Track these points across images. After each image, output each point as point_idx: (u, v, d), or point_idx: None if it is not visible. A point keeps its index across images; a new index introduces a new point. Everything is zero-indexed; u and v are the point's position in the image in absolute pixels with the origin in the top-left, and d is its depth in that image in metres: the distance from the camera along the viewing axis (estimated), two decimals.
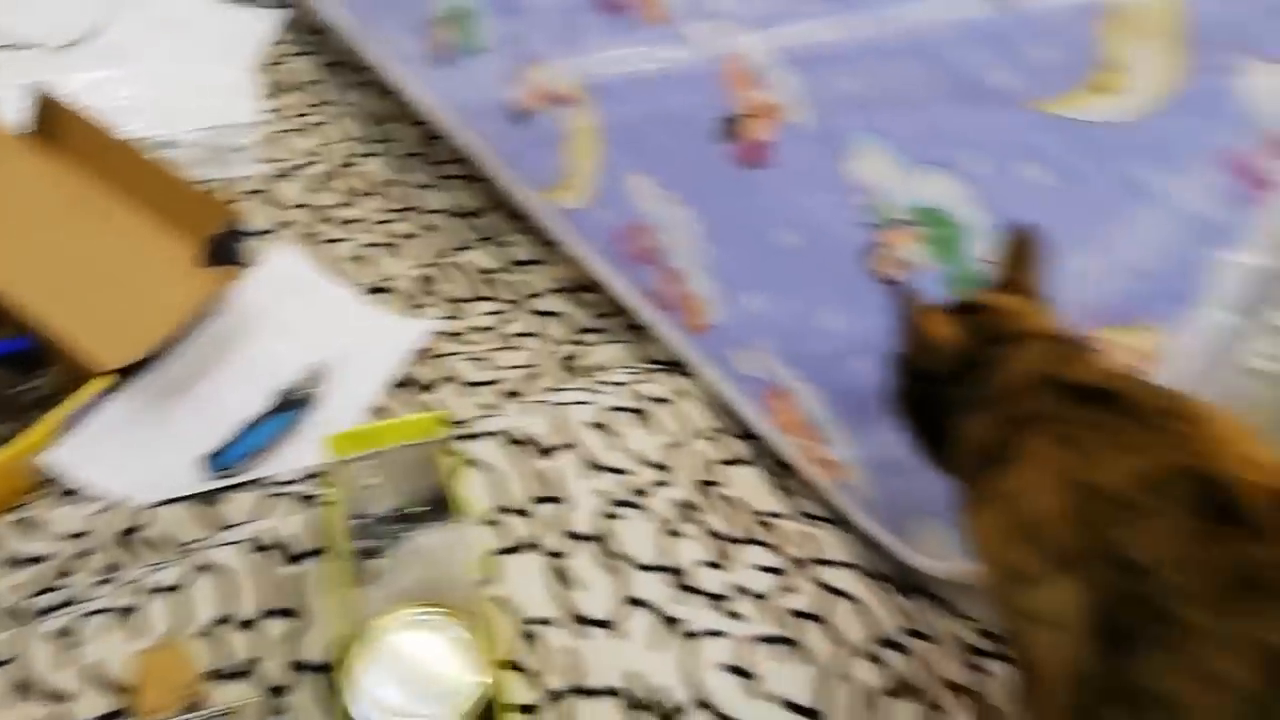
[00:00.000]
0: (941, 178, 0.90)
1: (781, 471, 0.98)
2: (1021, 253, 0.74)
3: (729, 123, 1.02)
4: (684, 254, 1.05)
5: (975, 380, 0.68)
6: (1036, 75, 0.85)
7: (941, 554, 0.86)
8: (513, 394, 1.02)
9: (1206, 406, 0.60)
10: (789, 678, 0.78)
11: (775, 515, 0.92)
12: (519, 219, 1.26)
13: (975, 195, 0.88)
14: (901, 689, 0.79)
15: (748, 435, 1.00)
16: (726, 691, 0.76)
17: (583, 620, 0.78)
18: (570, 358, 1.07)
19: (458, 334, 1.09)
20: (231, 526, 0.82)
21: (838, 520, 0.94)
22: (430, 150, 1.36)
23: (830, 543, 0.90)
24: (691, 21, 1.05)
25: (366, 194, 1.26)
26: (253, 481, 0.88)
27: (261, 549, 0.77)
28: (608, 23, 1.11)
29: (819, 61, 0.97)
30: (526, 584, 0.80)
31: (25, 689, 0.70)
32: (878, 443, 0.88)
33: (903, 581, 0.89)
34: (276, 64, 1.42)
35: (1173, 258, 0.79)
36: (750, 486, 0.94)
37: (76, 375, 0.94)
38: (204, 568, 0.76)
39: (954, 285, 0.88)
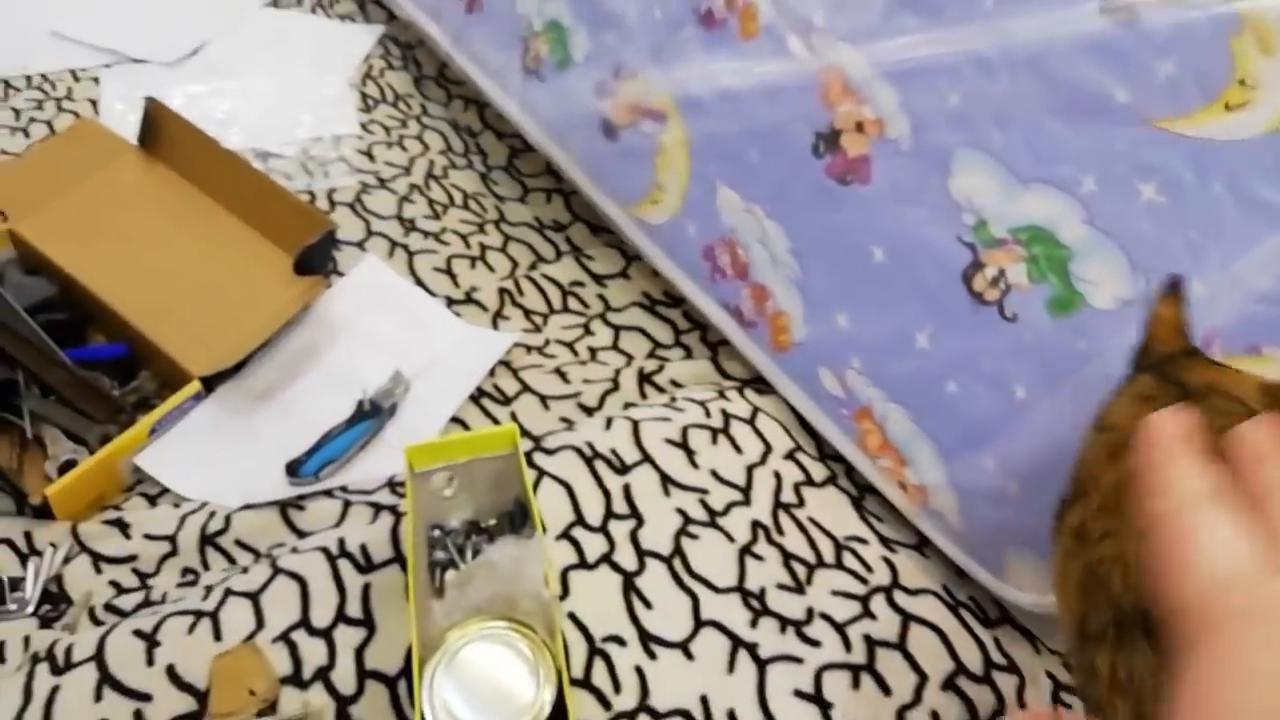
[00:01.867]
0: (1048, 196, 0.85)
1: (863, 495, 0.95)
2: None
3: (825, 138, 0.99)
4: (771, 270, 1.03)
5: None
6: (1160, 92, 0.80)
7: (1033, 586, 0.82)
8: (591, 409, 1.01)
9: None
10: (864, 707, 0.75)
11: (856, 539, 0.88)
12: (602, 232, 1.26)
13: (1084, 214, 0.83)
14: None
15: (829, 456, 0.97)
16: (799, 719, 0.73)
17: (655, 640, 0.76)
18: (649, 373, 1.05)
19: (538, 347, 1.09)
20: (309, 534, 0.82)
21: (919, 546, 0.90)
22: (517, 164, 1.37)
23: (911, 569, 0.87)
24: (790, 36, 1.02)
25: (453, 206, 1.27)
26: (332, 490, 0.89)
27: (337, 557, 0.77)
28: (702, 37, 1.09)
29: (920, 75, 0.93)
30: (599, 601, 0.78)
31: (104, 687, 0.71)
32: (971, 469, 0.84)
33: (988, 612, 0.85)
34: (372, 78, 1.45)
35: None
36: (831, 510, 0.91)
37: (171, 380, 0.97)
38: (281, 574, 0.76)
39: (1056, 308, 0.84)
